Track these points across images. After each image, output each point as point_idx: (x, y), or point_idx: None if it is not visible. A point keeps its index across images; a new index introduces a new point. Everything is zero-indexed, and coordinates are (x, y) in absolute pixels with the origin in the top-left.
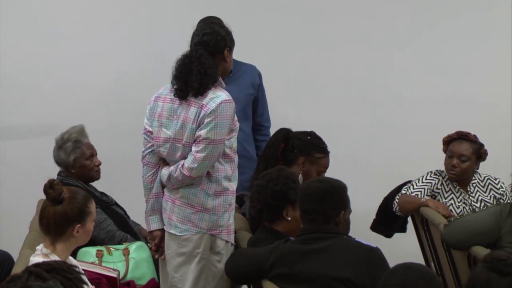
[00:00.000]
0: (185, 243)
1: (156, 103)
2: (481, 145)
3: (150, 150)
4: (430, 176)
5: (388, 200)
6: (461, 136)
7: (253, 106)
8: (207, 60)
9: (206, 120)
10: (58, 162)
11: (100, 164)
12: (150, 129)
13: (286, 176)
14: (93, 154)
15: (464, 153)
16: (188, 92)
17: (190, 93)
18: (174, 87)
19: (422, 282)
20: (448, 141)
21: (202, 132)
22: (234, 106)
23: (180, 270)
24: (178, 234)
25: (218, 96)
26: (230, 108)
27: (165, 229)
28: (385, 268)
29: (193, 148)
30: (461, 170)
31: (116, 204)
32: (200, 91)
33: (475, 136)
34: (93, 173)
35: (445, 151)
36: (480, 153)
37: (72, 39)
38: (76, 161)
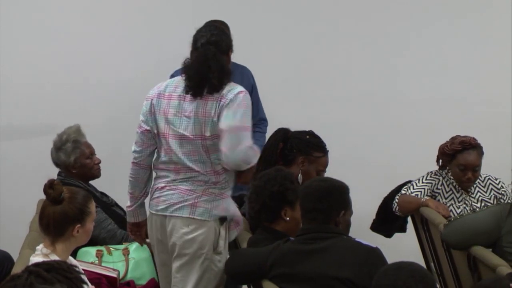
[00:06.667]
0: (189, 244)
1: (160, 100)
2: (480, 144)
3: (149, 151)
4: (431, 177)
5: (388, 200)
6: (466, 147)
7: None
8: (221, 57)
9: (224, 110)
10: (58, 163)
11: (100, 162)
12: (148, 128)
13: (283, 177)
14: (92, 152)
15: (476, 164)
16: (203, 89)
17: (206, 90)
18: (188, 84)
19: (412, 280)
20: (452, 154)
21: (226, 124)
22: (250, 98)
23: (182, 270)
24: (204, 219)
25: (234, 88)
26: (248, 98)
27: (180, 215)
28: None
29: (223, 144)
30: (476, 178)
31: (116, 204)
32: (218, 87)
33: (474, 138)
34: (94, 171)
35: (447, 161)
36: (482, 152)
37: (72, 39)
38: (77, 161)
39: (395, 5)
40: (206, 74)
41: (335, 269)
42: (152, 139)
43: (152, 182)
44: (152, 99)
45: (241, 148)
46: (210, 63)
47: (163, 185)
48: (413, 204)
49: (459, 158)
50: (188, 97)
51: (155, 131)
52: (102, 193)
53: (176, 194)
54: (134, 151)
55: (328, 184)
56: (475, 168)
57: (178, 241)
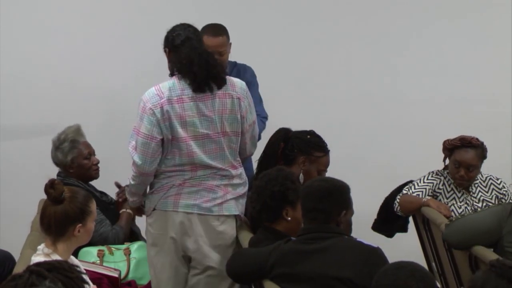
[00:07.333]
0: (222, 235)
1: (172, 105)
2: (484, 147)
3: (159, 159)
4: (432, 176)
5: (389, 200)
6: (465, 144)
7: None
8: (208, 51)
9: (247, 109)
10: (56, 162)
11: (98, 162)
12: (161, 136)
13: (284, 177)
14: (91, 153)
15: (471, 163)
16: (212, 85)
17: (215, 85)
18: (196, 80)
19: (412, 280)
20: (451, 149)
21: (249, 122)
22: None
23: (219, 260)
24: (235, 213)
25: (240, 82)
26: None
27: (204, 212)
28: None
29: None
30: (470, 179)
31: None
32: (225, 80)
33: (477, 139)
34: (91, 172)
35: (447, 156)
36: (484, 155)
37: (72, 39)
38: (74, 161)
39: (395, 5)
40: (209, 67)
41: (336, 269)
42: (161, 146)
43: (159, 181)
44: (162, 106)
45: (256, 136)
46: (208, 58)
47: (180, 182)
48: (414, 204)
49: (456, 154)
50: (201, 96)
51: (169, 137)
52: (102, 193)
53: (202, 191)
54: (144, 163)
55: (329, 184)
56: (469, 167)
57: (210, 234)
